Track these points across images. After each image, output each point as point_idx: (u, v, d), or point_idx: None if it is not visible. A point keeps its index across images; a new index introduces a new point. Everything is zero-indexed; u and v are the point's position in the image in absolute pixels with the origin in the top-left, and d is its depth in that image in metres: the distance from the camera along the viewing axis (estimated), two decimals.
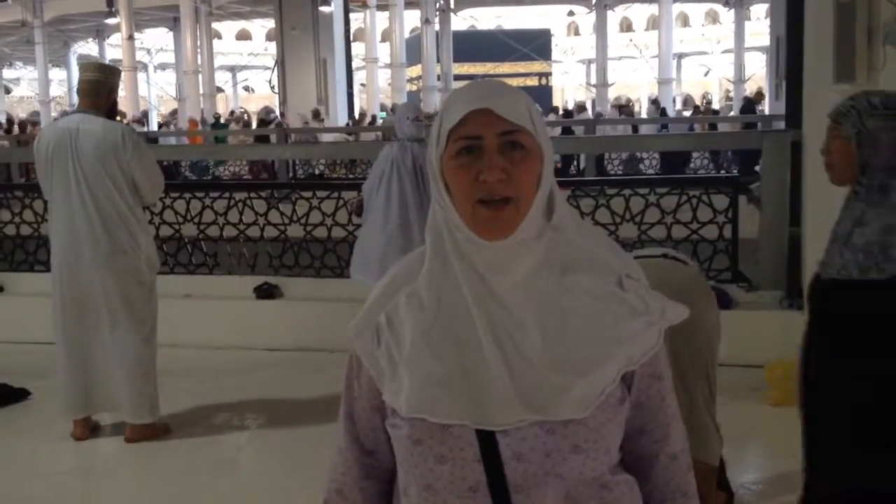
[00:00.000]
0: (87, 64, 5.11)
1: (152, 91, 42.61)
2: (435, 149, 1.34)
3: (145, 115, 22.93)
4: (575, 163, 13.73)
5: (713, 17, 48.56)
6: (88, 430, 4.85)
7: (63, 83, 42.37)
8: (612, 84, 37.85)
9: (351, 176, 14.88)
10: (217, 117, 24.98)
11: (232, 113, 27.33)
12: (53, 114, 32.61)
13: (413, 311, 1.34)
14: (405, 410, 1.33)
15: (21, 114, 29.42)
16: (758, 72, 37.74)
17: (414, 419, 1.32)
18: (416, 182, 5.11)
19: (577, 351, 1.30)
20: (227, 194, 7.37)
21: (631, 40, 43.54)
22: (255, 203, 7.30)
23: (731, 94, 37.36)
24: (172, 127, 27.00)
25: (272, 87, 27.60)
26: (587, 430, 1.30)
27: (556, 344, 1.30)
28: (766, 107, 27.86)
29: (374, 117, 24.31)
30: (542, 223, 1.32)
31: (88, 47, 41.15)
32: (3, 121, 26.17)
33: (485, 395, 1.29)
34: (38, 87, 38.73)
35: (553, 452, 1.29)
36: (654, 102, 26.84)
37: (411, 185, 5.12)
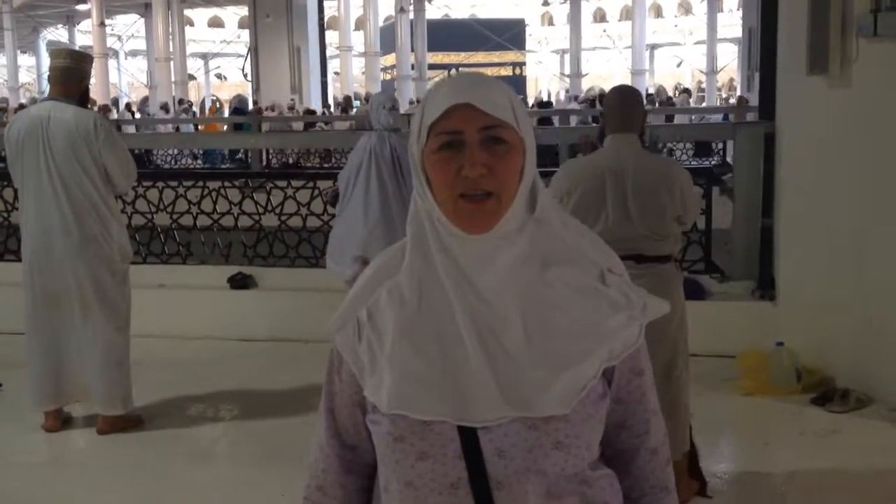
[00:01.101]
0: (58, 50, 5.03)
1: (123, 78, 42.22)
2: (416, 142, 1.32)
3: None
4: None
5: (686, 9, 48.76)
6: (60, 421, 4.80)
7: (32, 70, 41.86)
8: (585, 74, 37.94)
9: (326, 165, 14.84)
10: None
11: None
12: (22, 100, 32.20)
13: (394, 306, 1.34)
14: (386, 406, 1.32)
15: None
16: (730, 63, 37.97)
17: (395, 415, 1.31)
18: (394, 172, 5.07)
19: (558, 346, 1.30)
20: (200, 183, 7.31)
21: (604, 31, 43.68)
22: (229, 192, 7.25)
23: (704, 86, 37.55)
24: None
25: (245, 75, 27.39)
26: (568, 425, 1.30)
27: (537, 339, 1.29)
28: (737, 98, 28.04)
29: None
30: (524, 216, 1.31)
31: (58, 33, 40.63)
32: None
33: (466, 391, 1.29)
34: (7, 74, 38.23)
35: (535, 448, 1.29)
36: (686, 91, 26.91)
37: (390, 175, 5.08)
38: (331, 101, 27.43)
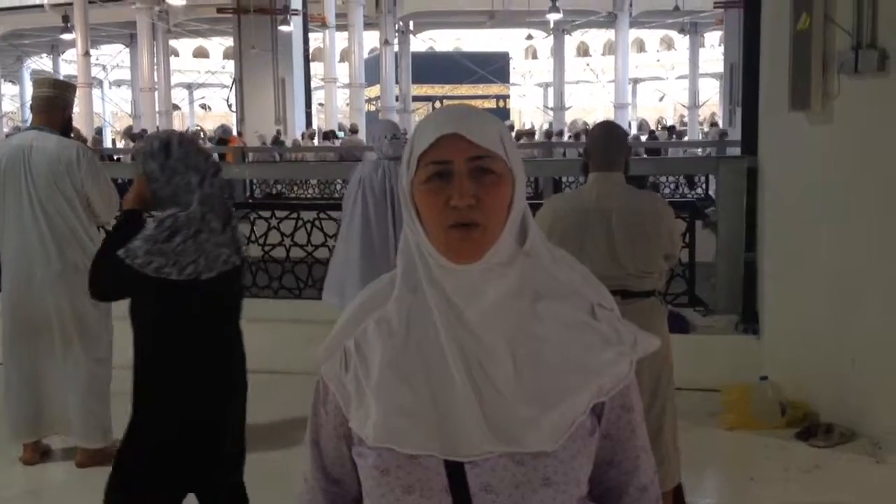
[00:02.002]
0: (41, 80, 5.03)
1: (107, 108, 42.15)
2: (406, 174, 1.32)
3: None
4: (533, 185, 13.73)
5: (668, 44, 49.22)
6: (39, 454, 4.74)
7: (15, 98, 41.75)
8: (569, 108, 38.18)
9: (308, 195, 14.84)
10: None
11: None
12: (5, 129, 32.08)
13: (382, 337, 1.33)
14: (372, 439, 1.30)
15: None
16: (712, 98, 38.33)
17: (381, 448, 1.30)
18: (385, 203, 5.02)
19: (547, 381, 1.29)
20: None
21: (588, 65, 44.02)
22: None
23: (686, 120, 37.88)
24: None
25: (230, 106, 27.41)
26: (557, 461, 1.28)
27: (526, 373, 1.28)
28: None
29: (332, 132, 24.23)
30: (514, 249, 1.31)
31: (42, 62, 40.60)
32: None
33: (454, 425, 1.27)
34: None
35: (522, 484, 1.27)
36: (714, 125, 26.84)
37: (376, 206, 5.04)
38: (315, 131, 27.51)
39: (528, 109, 47.50)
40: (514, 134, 18.71)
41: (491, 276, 1.29)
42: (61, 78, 18.15)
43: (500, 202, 1.29)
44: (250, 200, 12.82)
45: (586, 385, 1.30)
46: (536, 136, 23.00)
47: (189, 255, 2.96)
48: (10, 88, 43.03)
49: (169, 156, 3.03)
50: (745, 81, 6.51)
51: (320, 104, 33.45)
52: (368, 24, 30.50)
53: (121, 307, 5.30)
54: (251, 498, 4.19)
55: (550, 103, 39.85)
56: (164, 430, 3.09)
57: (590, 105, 45.57)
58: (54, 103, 4.67)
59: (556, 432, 1.28)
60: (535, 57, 52.53)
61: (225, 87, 30.99)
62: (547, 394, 1.28)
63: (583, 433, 1.31)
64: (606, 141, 3.61)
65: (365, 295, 1.41)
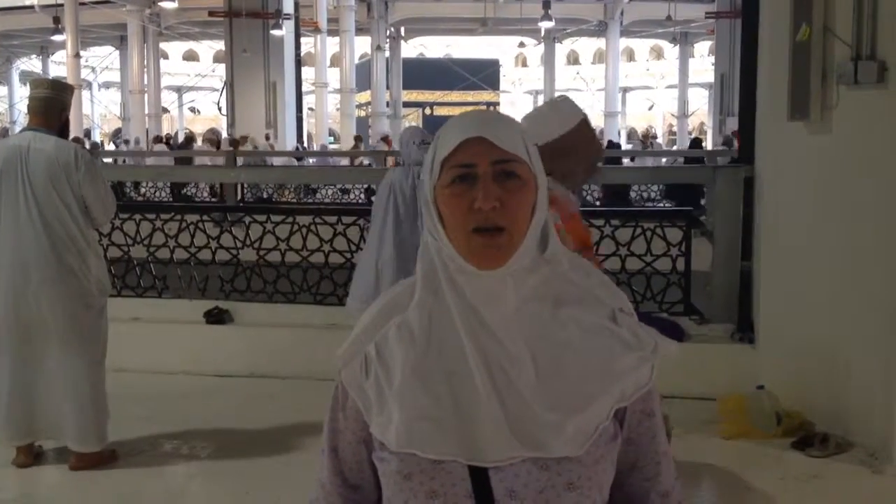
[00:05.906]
0: (38, 80, 4.99)
1: (96, 110, 42.06)
2: (429, 178, 1.32)
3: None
4: None
5: (658, 53, 49.45)
6: (32, 456, 4.69)
7: (3, 99, 41.60)
8: None
9: (299, 200, 14.85)
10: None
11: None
12: None
13: (403, 342, 1.32)
14: (395, 445, 1.29)
15: None
16: (700, 107, 38.53)
17: (404, 454, 1.29)
18: (415, 208, 5.03)
19: (570, 386, 1.28)
20: (178, 216, 7.24)
21: (578, 73, 44.24)
22: (207, 226, 7.19)
23: (675, 129, 38.07)
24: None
25: (220, 109, 27.38)
26: (581, 466, 1.28)
27: (549, 379, 1.28)
28: (708, 142, 28.42)
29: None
30: (535, 255, 1.31)
31: (32, 64, 40.48)
32: None
33: (477, 431, 1.26)
34: None
35: (546, 489, 1.27)
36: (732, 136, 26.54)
37: (407, 211, 5.06)
38: (305, 137, 27.50)
39: (518, 117, 47.62)
40: None
41: (512, 281, 1.28)
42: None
43: (523, 206, 1.29)
44: (242, 203, 12.80)
45: (608, 390, 1.30)
46: None
47: None
48: None
49: None
50: (742, 90, 6.52)
51: (311, 109, 33.45)
52: (360, 30, 30.59)
53: (111, 308, 5.29)
54: (253, 502, 4.17)
55: None
56: None
57: None
58: (52, 104, 4.63)
59: (579, 437, 1.27)
60: (525, 65, 52.70)
61: (214, 90, 30.99)
62: (570, 399, 1.27)
63: (606, 438, 1.31)
64: None
65: (384, 300, 1.40)
